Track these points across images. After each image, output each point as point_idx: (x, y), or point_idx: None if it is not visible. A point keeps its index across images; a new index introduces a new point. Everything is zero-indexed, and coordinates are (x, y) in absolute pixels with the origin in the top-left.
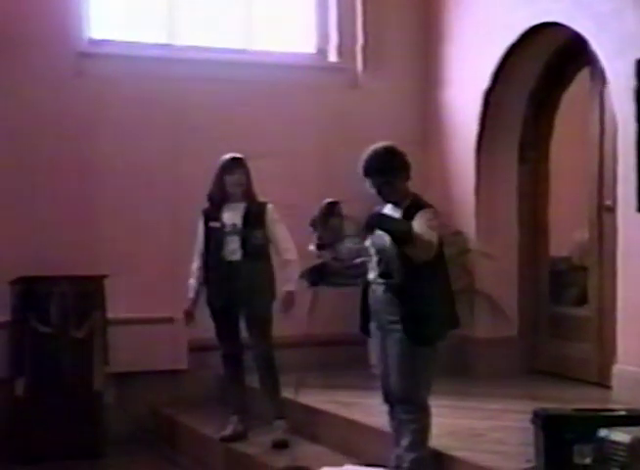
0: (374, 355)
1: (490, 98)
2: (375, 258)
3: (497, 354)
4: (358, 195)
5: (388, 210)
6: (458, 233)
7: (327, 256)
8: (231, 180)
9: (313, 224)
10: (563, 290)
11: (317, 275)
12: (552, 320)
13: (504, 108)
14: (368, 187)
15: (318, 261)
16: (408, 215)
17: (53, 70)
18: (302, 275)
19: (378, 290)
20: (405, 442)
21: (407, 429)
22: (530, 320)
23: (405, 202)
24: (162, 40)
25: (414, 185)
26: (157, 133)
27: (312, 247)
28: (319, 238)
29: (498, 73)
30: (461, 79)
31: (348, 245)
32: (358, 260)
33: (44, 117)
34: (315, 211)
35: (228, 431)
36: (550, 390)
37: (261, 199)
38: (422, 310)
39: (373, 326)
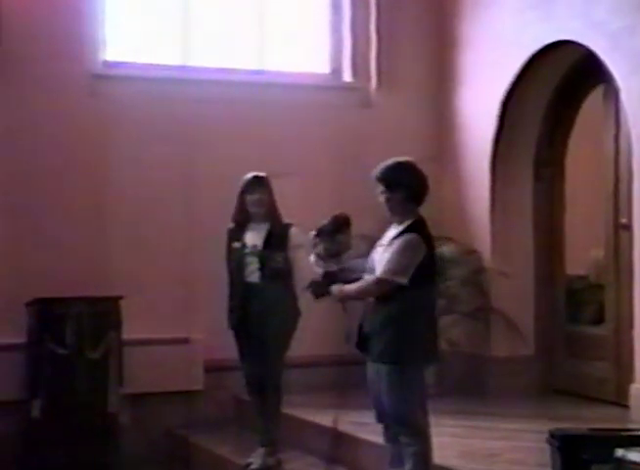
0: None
1: (505, 116)
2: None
3: (513, 374)
4: (371, 215)
5: (392, 231)
6: (473, 252)
7: (332, 266)
8: (251, 200)
9: (319, 234)
10: (579, 308)
11: (323, 287)
12: (569, 339)
13: (519, 125)
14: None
15: (324, 273)
16: (397, 238)
17: (67, 92)
18: (309, 286)
19: (369, 307)
20: (407, 468)
21: (407, 453)
22: (547, 339)
23: (406, 222)
24: (176, 62)
25: (429, 204)
26: (170, 154)
27: (313, 258)
28: (324, 249)
29: (512, 91)
30: (475, 98)
31: (359, 260)
32: (364, 275)
33: (58, 139)
34: (324, 221)
35: (256, 464)
36: (567, 409)
37: (286, 220)
38: (385, 329)
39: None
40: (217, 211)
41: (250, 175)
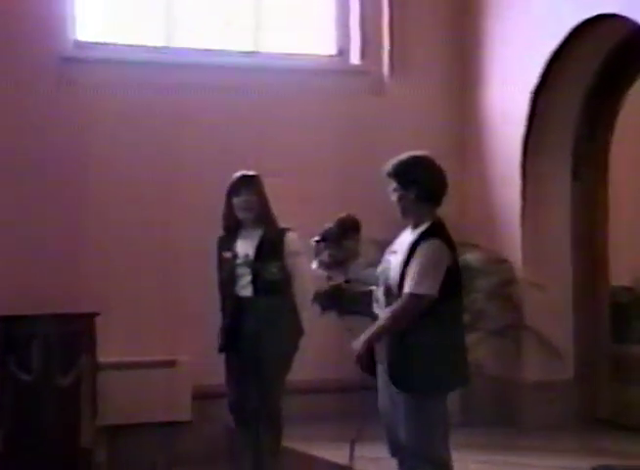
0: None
1: (537, 105)
2: (382, 288)
3: (550, 401)
4: (382, 217)
5: (406, 235)
6: (502, 261)
7: (337, 275)
8: (238, 202)
9: (323, 239)
10: (626, 325)
11: (331, 299)
12: (614, 361)
13: (553, 116)
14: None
15: (333, 284)
16: (417, 244)
17: (34, 78)
18: (315, 298)
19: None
20: None
21: None
22: (588, 361)
23: (422, 226)
24: (159, 42)
25: (449, 206)
26: (152, 149)
27: (315, 265)
28: (329, 256)
29: (546, 76)
30: (503, 84)
31: (370, 270)
32: (374, 287)
33: (24, 132)
34: (330, 224)
35: None
36: (612, 442)
37: (282, 225)
38: (410, 353)
39: (380, 368)
40: (206, 216)
41: (237, 175)
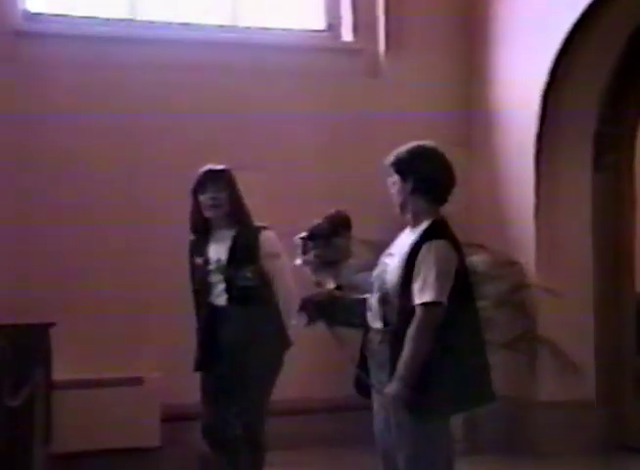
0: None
1: (554, 85)
2: (376, 295)
3: (568, 424)
4: (377, 213)
5: (405, 236)
6: (512, 263)
7: (327, 279)
8: (204, 200)
9: (311, 237)
10: None
11: (321, 309)
12: None
13: (573, 98)
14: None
15: (328, 291)
16: (418, 246)
17: None
18: (302, 307)
19: (374, 339)
20: None
21: None
22: (612, 378)
23: (423, 225)
24: (122, 15)
25: (453, 202)
26: (112, 137)
27: (299, 261)
28: (317, 256)
29: (563, 56)
30: (515, 63)
31: (363, 275)
32: (368, 295)
33: None
34: (317, 221)
35: None
36: None
37: (258, 223)
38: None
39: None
40: (176, 215)
41: (202, 169)
